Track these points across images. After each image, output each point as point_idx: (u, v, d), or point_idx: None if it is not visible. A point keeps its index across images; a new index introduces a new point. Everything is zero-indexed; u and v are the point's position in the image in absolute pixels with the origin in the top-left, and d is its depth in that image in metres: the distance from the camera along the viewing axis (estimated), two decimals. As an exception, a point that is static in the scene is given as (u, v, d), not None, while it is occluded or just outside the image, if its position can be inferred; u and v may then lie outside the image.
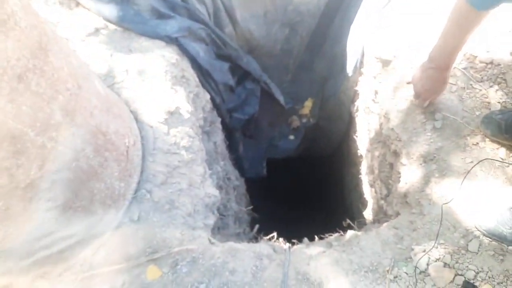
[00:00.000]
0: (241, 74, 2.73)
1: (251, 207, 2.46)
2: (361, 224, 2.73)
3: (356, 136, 2.83)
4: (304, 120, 3.43)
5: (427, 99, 1.78)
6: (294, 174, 4.36)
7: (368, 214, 2.95)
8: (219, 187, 2.27)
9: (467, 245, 1.51)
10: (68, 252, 1.36)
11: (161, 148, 1.79)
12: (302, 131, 3.46)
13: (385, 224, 1.80)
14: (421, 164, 1.79)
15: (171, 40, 2.09)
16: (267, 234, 2.29)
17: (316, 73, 3.09)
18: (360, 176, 2.97)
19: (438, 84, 1.68)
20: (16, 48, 0.97)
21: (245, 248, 1.70)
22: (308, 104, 3.37)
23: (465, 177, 1.55)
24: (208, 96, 2.32)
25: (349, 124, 3.09)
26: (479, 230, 1.52)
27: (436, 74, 1.63)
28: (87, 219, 1.41)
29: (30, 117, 1.02)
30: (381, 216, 2.34)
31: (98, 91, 1.45)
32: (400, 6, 2.20)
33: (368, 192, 2.84)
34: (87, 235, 1.40)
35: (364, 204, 3.09)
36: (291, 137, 3.49)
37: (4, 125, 0.94)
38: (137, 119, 1.83)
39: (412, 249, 1.55)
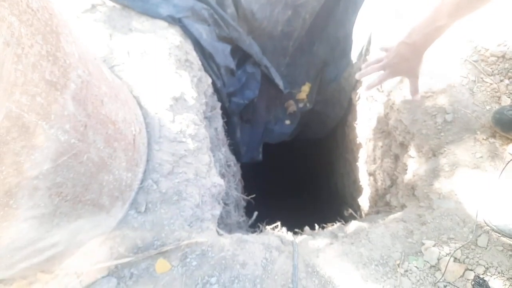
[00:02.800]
0: (241, 57, 2.64)
1: (254, 195, 2.42)
2: (355, 210, 2.75)
3: (356, 124, 2.81)
4: (301, 105, 3.37)
5: (388, 76, 1.46)
6: (285, 157, 4.35)
7: (363, 201, 2.97)
8: (222, 175, 2.22)
9: (477, 240, 1.53)
10: (73, 246, 1.30)
11: (167, 136, 1.71)
12: (298, 116, 3.42)
13: (392, 217, 1.80)
14: (430, 158, 1.79)
15: (173, 21, 1.98)
16: (262, 221, 2.28)
17: (316, 57, 3.03)
18: (356, 163, 2.98)
19: (406, 64, 1.37)
20: (30, 34, 0.87)
21: (254, 240, 1.67)
22: (306, 88, 3.31)
23: (502, 170, 1.54)
24: (210, 80, 2.23)
25: (347, 110, 3.06)
26: (488, 226, 1.54)
27: (409, 51, 1.33)
28: (95, 212, 1.34)
29: (44, 109, 0.93)
30: (381, 205, 2.36)
31: (106, 77, 1.35)
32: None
33: (365, 180, 2.85)
34: (94, 227, 1.33)
35: (358, 191, 3.11)
36: (287, 121, 3.44)
37: (19, 118, 0.86)
38: (140, 105, 1.74)
39: (423, 244, 1.55)
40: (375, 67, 1.48)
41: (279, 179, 4.33)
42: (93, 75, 1.20)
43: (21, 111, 0.85)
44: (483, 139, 1.72)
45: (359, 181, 3.01)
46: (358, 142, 2.84)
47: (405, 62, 1.37)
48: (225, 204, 2.12)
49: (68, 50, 1.04)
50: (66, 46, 1.04)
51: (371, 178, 2.61)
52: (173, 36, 1.96)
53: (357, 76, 1.54)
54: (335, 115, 3.24)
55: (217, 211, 1.80)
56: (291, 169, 4.55)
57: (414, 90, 1.42)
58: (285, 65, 3.22)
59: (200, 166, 1.79)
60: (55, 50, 0.97)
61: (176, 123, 1.75)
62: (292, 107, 3.37)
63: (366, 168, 2.69)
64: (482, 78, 1.84)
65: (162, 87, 1.79)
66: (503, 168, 1.52)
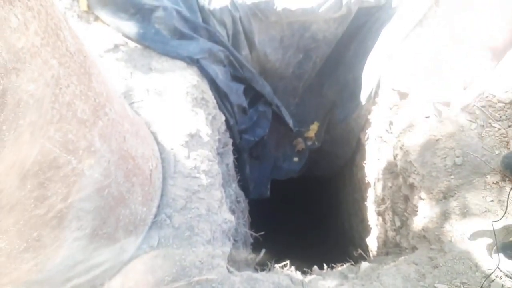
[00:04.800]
0: (253, 96, 2.72)
1: (263, 232, 2.42)
2: (363, 250, 2.72)
3: (365, 164, 2.83)
4: (309, 143, 3.43)
5: None
6: (293, 194, 4.34)
7: (371, 242, 2.94)
8: (232, 211, 2.24)
9: (490, 285, 1.51)
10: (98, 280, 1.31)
11: (181, 171, 1.75)
12: (306, 154, 3.46)
13: (402, 259, 1.79)
14: (441, 200, 1.80)
15: (192, 61, 2.08)
16: (269, 259, 2.26)
17: (325, 98, 3.11)
18: (365, 202, 2.98)
19: None
20: (67, 75, 0.94)
21: (264, 279, 1.66)
22: (314, 127, 3.37)
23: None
24: (223, 118, 2.30)
25: (355, 150, 3.11)
26: (501, 271, 1.52)
27: None
28: (109, 245, 1.35)
29: (74, 145, 0.98)
30: (390, 246, 2.34)
31: (128, 114, 1.42)
32: (422, 38, 2.24)
33: (373, 220, 2.84)
34: (111, 263, 1.34)
35: (367, 231, 3.08)
36: (295, 159, 3.48)
37: (51, 154, 0.90)
38: (157, 141, 1.80)
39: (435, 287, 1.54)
40: None
41: (286, 217, 4.31)
42: (118, 113, 1.26)
43: (54, 146, 0.90)
44: (493, 183, 1.73)
45: (367, 221, 2.99)
46: (366, 181, 2.85)
47: None
48: (235, 240, 2.12)
49: (98, 90, 1.11)
50: (97, 86, 1.11)
51: (380, 218, 2.60)
52: (191, 76, 2.06)
53: None
54: (343, 154, 3.28)
55: (228, 248, 1.81)
56: (298, 207, 4.53)
57: None
58: (294, 105, 3.31)
59: (212, 201, 1.82)
60: (87, 90, 1.03)
61: (190, 159, 1.80)
62: (300, 144, 3.42)
63: (374, 208, 2.69)
64: (490, 123, 1.89)
65: (179, 124, 1.85)
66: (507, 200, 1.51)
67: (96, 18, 2.23)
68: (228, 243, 1.85)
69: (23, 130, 0.79)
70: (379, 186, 2.51)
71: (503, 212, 1.65)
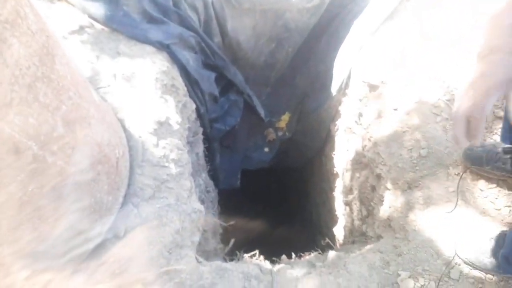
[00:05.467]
0: (225, 84, 2.69)
1: (232, 222, 2.41)
2: (330, 239, 2.78)
3: (334, 154, 2.88)
4: (280, 133, 3.44)
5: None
6: (263, 184, 4.37)
7: (338, 231, 3.01)
8: (201, 201, 2.21)
9: (449, 272, 1.58)
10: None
11: (150, 160, 1.70)
12: (277, 144, 3.48)
13: (368, 247, 1.84)
14: (406, 190, 1.86)
15: (162, 47, 2.02)
16: (239, 248, 2.27)
17: (297, 89, 3.12)
18: (333, 193, 3.03)
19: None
20: (28, 55, 0.87)
21: (233, 268, 1.66)
22: (285, 118, 3.39)
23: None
24: (194, 106, 2.25)
25: (325, 141, 3.15)
26: (460, 258, 1.59)
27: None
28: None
29: (35, 129, 0.92)
30: (357, 235, 2.40)
31: (94, 99, 1.36)
32: (392, 32, 2.28)
33: (340, 210, 2.90)
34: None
35: (334, 220, 3.15)
36: (266, 149, 3.49)
37: (10, 139, 0.85)
38: (125, 128, 1.73)
39: (399, 275, 1.59)
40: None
41: (256, 207, 4.33)
42: (83, 97, 1.20)
43: (13, 131, 0.84)
44: (455, 174, 1.80)
45: (335, 211, 3.05)
46: (335, 172, 2.90)
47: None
48: (204, 230, 2.10)
49: (61, 72, 1.05)
50: (60, 68, 1.05)
51: (347, 208, 2.66)
52: (161, 61, 1.99)
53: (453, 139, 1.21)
54: (313, 145, 3.32)
55: (197, 237, 1.79)
56: (268, 196, 4.57)
57: None
58: (266, 95, 3.30)
59: (182, 191, 1.78)
60: (50, 72, 0.97)
61: (159, 147, 1.75)
62: (271, 135, 3.43)
63: (342, 198, 2.75)
64: (454, 116, 1.95)
65: (148, 111, 1.80)
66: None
67: (60, -3, 2.11)
68: (197, 233, 1.83)
69: (-23, 112, 0.73)
70: (347, 176, 2.56)
71: (464, 203, 1.73)
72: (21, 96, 0.85)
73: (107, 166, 1.41)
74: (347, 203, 2.65)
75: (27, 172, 0.93)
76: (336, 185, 2.96)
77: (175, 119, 1.89)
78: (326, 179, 3.28)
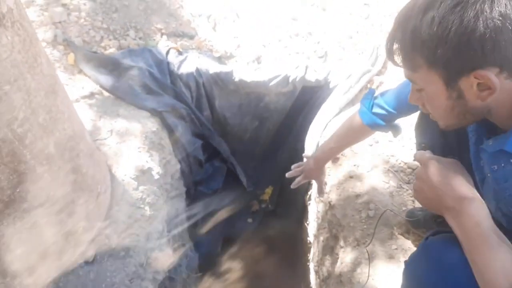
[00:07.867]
0: (211, 153, 3.04)
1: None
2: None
3: (307, 224, 3.07)
4: (263, 205, 3.67)
5: (303, 179, 2.05)
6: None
7: (312, 303, 3.04)
8: (174, 250, 2.39)
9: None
10: None
11: (128, 200, 1.97)
12: (260, 215, 3.68)
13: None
14: (355, 247, 2.04)
15: (155, 113, 2.42)
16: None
17: (278, 164, 3.45)
18: (308, 264, 3.14)
19: (309, 172, 2.01)
20: (37, 88, 1.24)
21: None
22: (268, 191, 3.65)
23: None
24: (178, 166, 2.57)
25: (302, 212, 3.35)
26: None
27: (313, 163, 1.95)
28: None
29: (31, 142, 1.24)
30: (321, 300, 2.48)
31: (87, 140, 1.69)
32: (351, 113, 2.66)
33: (312, 280, 2.98)
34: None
35: (309, 293, 3.19)
36: (249, 220, 3.68)
37: (12, 143, 1.16)
38: (111, 172, 2.04)
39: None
40: (297, 171, 2.06)
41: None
42: (75, 132, 1.54)
43: (14, 138, 1.16)
44: (398, 234, 2.00)
45: (310, 283, 3.12)
46: (308, 242, 3.06)
47: (312, 171, 2.00)
48: (171, 277, 2.25)
49: (61, 108, 1.41)
50: (60, 105, 1.41)
51: (316, 276, 2.76)
52: (152, 123, 2.38)
53: (287, 175, 2.10)
54: (292, 217, 3.52)
55: (160, 276, 1.95)
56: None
57: (319, 190, 2.16)
58: (252, 168, 3.62)
59: (153, 233, 2.01)
60: (51, 105, 1.33)
61: (138, 191, 2.03)
62: (255, 206, 3.66)
63: (313, 267, 2.86)
64: (401, 185, 2.22)
65: (133, 160, 2.12)
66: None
67: (80, 71, 2.61)
68: (162, 273, 2.00)
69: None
70: (315, 243, 2.73)
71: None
72: (25, 116, 1.19)
73: (87, 195, 1.69)
74: (316, 271, 2.76)
75: (17, 173, 1.22)
76: (310, 255, 3.08)
77: (157, 171, 2.20)
78: (303, 252, 3.40)
